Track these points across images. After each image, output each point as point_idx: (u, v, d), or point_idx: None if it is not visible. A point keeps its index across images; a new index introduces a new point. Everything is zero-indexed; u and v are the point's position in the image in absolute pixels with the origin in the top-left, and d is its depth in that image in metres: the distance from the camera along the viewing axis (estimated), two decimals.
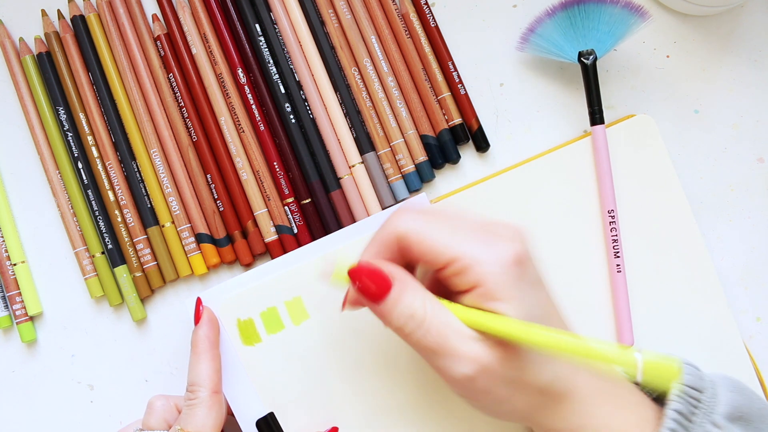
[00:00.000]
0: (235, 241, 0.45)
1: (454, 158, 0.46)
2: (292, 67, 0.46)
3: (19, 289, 0.46)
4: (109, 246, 0.45)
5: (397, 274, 0.32)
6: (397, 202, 0.46)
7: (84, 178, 0.46)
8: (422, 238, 0.32)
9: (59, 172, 0.46)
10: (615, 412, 0.33)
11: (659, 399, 0.35)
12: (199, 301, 0.42)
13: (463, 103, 0.46)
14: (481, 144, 0.46)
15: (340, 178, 0.45)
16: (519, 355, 0.32)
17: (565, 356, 0.29)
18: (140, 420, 0.41)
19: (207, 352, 0.40)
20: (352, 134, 0.46)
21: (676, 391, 0.33)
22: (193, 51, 0.46)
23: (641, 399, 0.34)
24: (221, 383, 0.40)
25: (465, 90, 0.46)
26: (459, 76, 0.46)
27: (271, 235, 0.45)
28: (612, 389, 0.34)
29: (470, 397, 0.33)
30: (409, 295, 0.31)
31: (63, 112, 0.46)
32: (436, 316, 0.31)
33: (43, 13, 0.47)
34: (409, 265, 0.35)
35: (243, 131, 0.45)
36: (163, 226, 0.45)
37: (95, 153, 0.46)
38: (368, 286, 0.32)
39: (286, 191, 0.45)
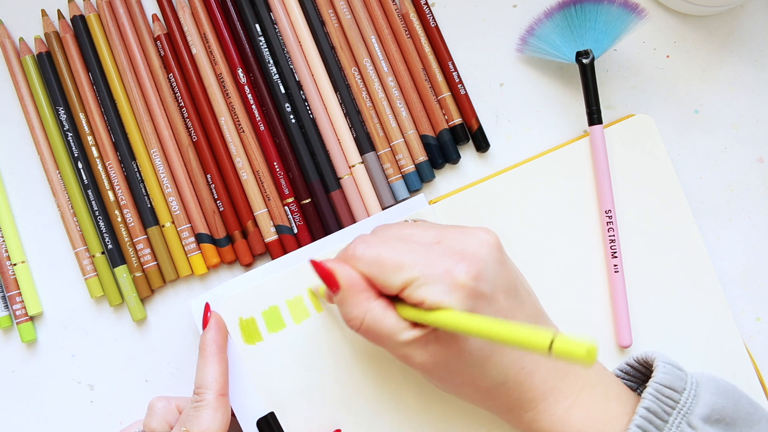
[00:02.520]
0: (235, 241, 0.45)
1: (454, 158, 0.46)
2: (292, 67, 0.46)
3: (19, 289, 0.46)
4: (109, 246, 0.45)
5: (345, 281, 0.34)
6: (397, 202, 0.46)
7: (84, 178, 0.46)
8: (373, 275, 0.34)
9: (59, 172, 0.46)
10: (576, 409, 0.34)
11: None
12: (207, 307, 0.42)
13: (463, 103, 0.46)
14: (481, 144, 0.46)
15: (340, 178, 0.45)
16: (463, 353, 0.34)
17: (484, 338, 0.30)
18: (141, 421, 0.41)
19: (214, 356, 0.40)
20: (352, 134, 0.46)
21: (651, 389, 0.34)
22: (193, 51, 0.46)
23: (619, 396, 0.35)
24: (228, 387, 0.40)
25: (465, 90, 0.46)
26: (459, 76, 0.46)
27: (271, 235, 0.45)
28: (582, 386, 0.34)
29: (429, 374, 0.35)
30: (350, 303, 0.34)
31: (63, 112, 0.46)
32: (374, 323, 0.34)
33: (43, 13, 0.47)
34: None
35: (243, 131, 0.45)
36: (163, 226, 0.45)
37: (95, 153, 0.46)
38: (324, 280, 0.35)
39: (286, 191, 0.45)
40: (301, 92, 0.46)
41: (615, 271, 0.43)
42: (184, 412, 0.39)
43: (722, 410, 0.33)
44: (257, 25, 0.46)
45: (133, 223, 0.45)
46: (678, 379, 0.34)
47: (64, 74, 0.46)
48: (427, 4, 0.47)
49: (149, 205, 0.46)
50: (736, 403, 0.34)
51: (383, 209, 0.45)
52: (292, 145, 0.45)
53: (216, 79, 0.46)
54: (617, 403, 0.34)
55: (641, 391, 0.37)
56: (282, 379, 0.42)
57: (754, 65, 0.47)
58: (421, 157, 0.46)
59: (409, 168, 0.46)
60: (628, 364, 0.38)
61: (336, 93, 0.46)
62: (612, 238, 0.43)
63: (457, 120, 0.46)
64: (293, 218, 0.45)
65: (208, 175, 0.46)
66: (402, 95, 0.46)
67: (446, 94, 0.46)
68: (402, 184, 0.46)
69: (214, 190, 0.46)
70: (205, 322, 0.42)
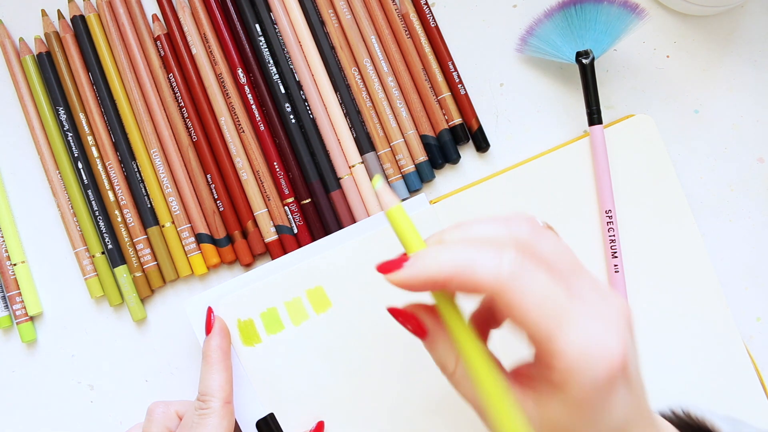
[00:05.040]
0: (235, 241, 0.45)
1: (454, 158, 0.46)
2: (292, 67, 0.46)
3: (19, 289, 0.46)
4: (109, 246, 0.45)
5: (431, 327, 0.29)
6: None
7: (84, 178, 0.46)
8: (529, 305, 0.24)
9: (59, 172, 0.46)
10: None
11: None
12: (210, 311, 0.42)
13: (463, 103, 0.46)
14: (481, 144, 0.46)
15: (340, 178, 0.45)
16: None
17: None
18: (140, 425, 0.41)
19: (220, 363, 0.40)
20: (352, 134, 0.46)
21: None
22: (193, 51, 0.46)
23: None
24: (233, 394, 0.40)
25: (465, 90, 0.46)
26: (459, 76, 0.46)
27: (271, 235, 0.45)
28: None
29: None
30: (440, 350, 0.29)
31: (63, 112, 0.46)
32: (464, 377, 0.29)
33: (43, 13, 0.47)
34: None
35: (243, 131, 0.45)
36: (163, 226, 0.45)
37: (95, 153, 0.46)
38: (407, 324, 0.30)
39: (286, 191, 0.45)
40: (301, 92, 0.46)
41: (615, 271, 0.43)
42: (186, 419, 0.39)
43: None
44: (257, 25, 0.46)
45: (133, 223, 0.45)
46: None
47: (64, 74, 0.46)
48: (427, 4, 0.47)
49: (149, 205, 0.46)
50: None
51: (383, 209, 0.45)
52: (292, 145, 0.45)
53: (216, 79, 0.46)
54: None
55: None
56: (281, 380, 0.42)
57: (754, 65, 0.47)
58: (421, 157, 0.46)
59: (409, 168, 0.46)
60: (667, 416, 0.35)
61: (336, 93, 0.46)
62: (612, 238, 0.43)
63: (457, 120, 0.46)
64: (293, 218, 0.45)
65: (208, 175, 0.46)
66: (402, 95, 0.46)
67: (446, 94, 0.46)
68: (402, 184, 0.46)
69: (214, 190, 0.46)
70: (208, 327, 0.41)
